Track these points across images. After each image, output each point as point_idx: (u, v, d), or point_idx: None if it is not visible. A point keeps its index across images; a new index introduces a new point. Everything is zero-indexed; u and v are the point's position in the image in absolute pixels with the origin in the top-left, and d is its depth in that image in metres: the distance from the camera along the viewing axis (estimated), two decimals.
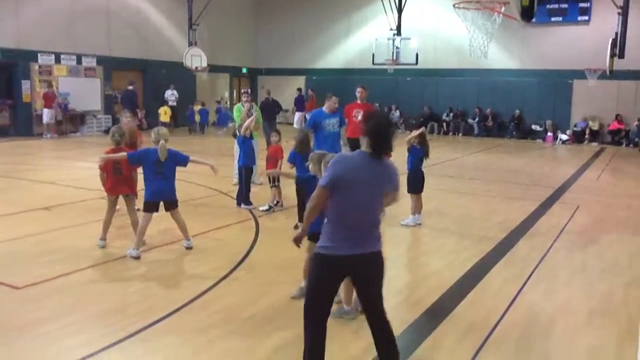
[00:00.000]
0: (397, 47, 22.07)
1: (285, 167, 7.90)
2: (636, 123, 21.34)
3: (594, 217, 9.16)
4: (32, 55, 19.64)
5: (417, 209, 8.22)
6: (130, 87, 21.42)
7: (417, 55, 21.95)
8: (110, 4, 21.86)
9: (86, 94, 21.31)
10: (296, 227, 7.70)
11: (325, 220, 3.61)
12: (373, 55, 22.56)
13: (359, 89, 9.91)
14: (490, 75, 23.73)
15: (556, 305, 5.32)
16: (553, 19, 22.65)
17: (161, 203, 6.54)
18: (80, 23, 20.83)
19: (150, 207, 6.44)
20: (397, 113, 25.33)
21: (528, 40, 23.16)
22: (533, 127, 23.32)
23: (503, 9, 16.85)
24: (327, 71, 27.38)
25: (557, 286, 5.89)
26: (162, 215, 6.71)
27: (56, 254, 6.43)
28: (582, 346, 4.49)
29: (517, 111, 23.37)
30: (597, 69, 20.36)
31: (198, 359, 4.12)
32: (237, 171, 10.02)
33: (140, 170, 6.68)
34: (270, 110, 17.39)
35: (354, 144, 8.85)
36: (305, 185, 5.39)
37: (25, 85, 19.64)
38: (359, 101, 9.87)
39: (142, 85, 23.46)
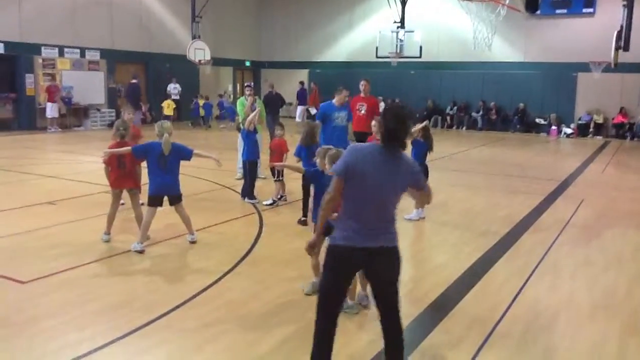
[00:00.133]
0: (400, 40, 22.00)
1: (291, 160, 7.90)
2: None
3: (598, 211, 9.14)
4: (35, 49, 19.65)
5: (420, 203, 8.17)
6: (134, 81, 21.44)
7: (420, 48, 21.90)
8: None
9: (90, 87, 21.32)
10: (299, 221, 7.71)
11: (340, 211, 3.56)
12: (376, 48, 22.50)
13: (362, 82, 9.90)
14: (494, 68, 23.65)
15: (560, 300, 5.32)
16: (557, 11, 22.53)
17: (165, 197, 6.55)
18: (84, 16, 20.83)
19: (155, 201, 6.44)
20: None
21: (532, 32, 23.06)
22: (537, 120, 23.25)
23: (507, 0, 16.77)
24: (331, 64, 27.32)
25: (561, 280, 5.89)
26: (166, 209, 6.72)
27: (60, 248, 6.45)
28: (585, 340, 4.49)
29: (521, 104, 23.29)
30: (602, 61, 20.26)
31: (202, 353, 4.13)
32: (240, 165, 10.03)
33: (144, 164, 6.68)
34: (274, 104, 17.36)
35: (359, 138, 8.84)
36: (311, 179, 5.37)
37: (29, 78, 19.66)
38: (362, 94, 9.86)
39: (145, 79, 23.46)
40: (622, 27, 17.24)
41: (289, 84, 24.82)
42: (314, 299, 5.05)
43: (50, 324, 4.52)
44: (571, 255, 6.75)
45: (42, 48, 19.88)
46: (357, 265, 3.54)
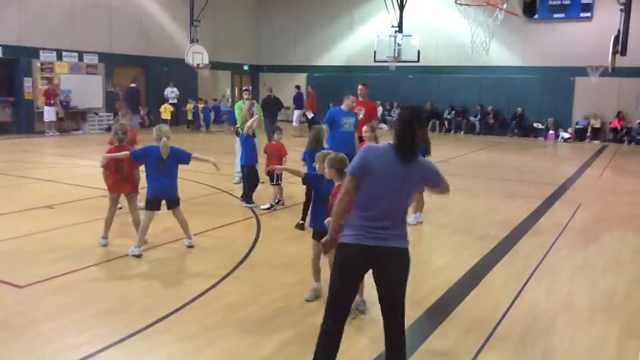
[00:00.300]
0: (398, 44, 22.02)
1: (290, 164, 7.89)
2: (638, 121, 21.31)
3: (596, 214, 9.15)
4: (33, 52, 19.64)
5: (419, 207, 8.21)
6: (134, 85, 21.45)
7: (418, 52, 21.90)
8: (112, 1, 21.83)
9: (88, 91, 21.29)
10: (297, 225, 7.71)
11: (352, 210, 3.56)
12: (374, 52, 22.50)
13: (360, 87, 9.91)
14: (492, 73, 23.70)
15: (559, 303, 5.33)
16: (555, 15, 22.59)
17: (163, 201, 6.54)
18: (82, 20, 20.82)
19: (153, 205, 6.44)
20: (399, 110, 25.30)
21: (530, 37, 23.12)
22: (535, 124, 23.29)
23: (505, 5, 16.82)
24: (329, 68, 27.36)
25: (560, 283, 5.89)
26: (163, 213, 6.72)
27: (58, 252, 6.44)
28: (584, 343, 4.49)
29: (519, 109, 23.33)
30: (599, 66, 20.30)
31: (200, 357, 4.13)
32: (238, 169, 10.03)
33: (142, 168, 6.67)
34: (272, 108, 17.37)
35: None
36: (310, 183, 5.35)
37: (27, 82, 19.64)
38: (360, 98, 9.86)
39: (143, 82, 23.46)
40: (619, 31, 17.28)
41: (288, 88, 24.82)
42: (312, 304, 5.08)
43: (49, 327, 4.51)
44: (569, 259, 6.76)
45: (41, 52, 19.87)
46: (367, 264, 3.51)
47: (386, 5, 22.26)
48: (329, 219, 4.24)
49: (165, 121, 20.01)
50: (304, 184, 5.39)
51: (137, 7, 22.91)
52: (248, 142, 9.00)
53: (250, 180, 8.98)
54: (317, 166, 5.17)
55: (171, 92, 23.31)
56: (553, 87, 22.88)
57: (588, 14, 22.07)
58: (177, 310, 4.88)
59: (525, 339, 4.51)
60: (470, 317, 4.91)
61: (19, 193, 9.98)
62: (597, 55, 19.87)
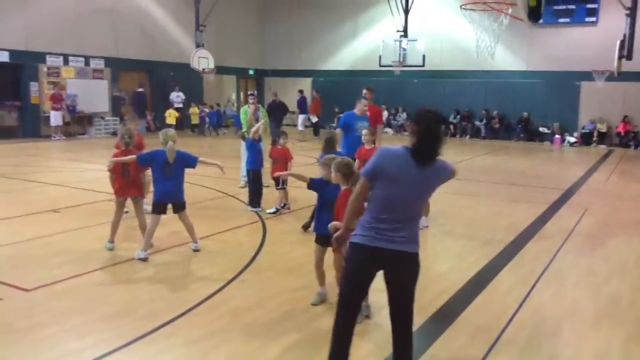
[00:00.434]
0: (403, 49, 22.07)
1: (296, 168, 7.89)
2: None
3: (602, 219, 9.12)
4: (40, 57, 19.76)
5: (425, 211, 8.19)
6: (140, 89, 21.55)
7: (423, 57, 21.95)
8: (117, 5, 21.96)
9: (94, 95, 21.42)
10: (304, 227, 7.72)
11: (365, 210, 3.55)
12: (380, 57, 22.55)
13: (364, 91, 9.89)
14: (497, 77, 23.69)
15: (564, 308, 5.31)
16: (560, 20, 22.57)
17: (169, 205, 6.56)
18: (88, 24, 20.94)
19: (159, 208, 6.46)
20: (404, 115, 25.34)
21: (535, 41, 23.10)
22: (540, 129, 23.25)
23: (510, 10, 16.83)
24: (334, 72, 27.40)
25: (565, 289, 5.87)
26: (169, 217, 6.74)
27: (64, 256, 6.46)
28: (589, 349, 4.47)
29: (525, 113, 23.28)
30: (605, 70, 20.27)
31: None
32: (244, 173, 10.05)
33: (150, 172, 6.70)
34: (278, 112, 17.42)
35: None
36: (316, 189, 5.32)
37: (34, 87, 19.78)
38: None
39: (149, 87, 23.55)
40: (625, 36, 17.27)
41: (293, 92, 24.85)
42: (317, 308, 5.08)
43: (54, 331, 4.53)
44: (575, 264, 6.73)
45: (47, 56, 20.00)
46: (377, 265, 3.50)
47: (391, 9, 22.32)
48: (333, 223, 4.24)
49: (169, 126, 20.09)
50: (309, 189, 5.37)
51: (143, 12, 23.03)
52: (254, 147, 9.02)
53: (255, 184, 9.00)
54: (323, 172, 5.14)
55: (177, 96, 23.40)
56: (559, 91, 22.84)
57: (593, 19, 22.03)
58: (183, 314, 4.89)
59: (531, 344, 4.50)
60: (476, 322, 4.89)
61: (25, 197, 10.02)
62: (603, 59, 19.83)
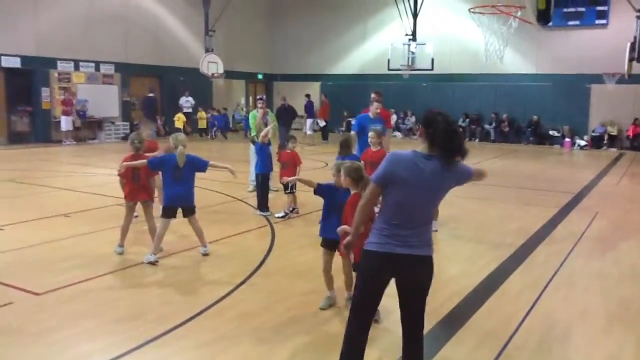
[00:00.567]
0: (412, 53, 22.04)
1: (304, 172, 7.88)
2: None
3: (612, 223, 9.06)
4: (51, 63, 19.92)
5: (434, 215, 8.14)
6: (151, 94, 21.69)
7: (432, 60, 21.91)
8: (127, 11, 22.10)
9: (104, 100, 21.54)
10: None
11: (377, 216, 3.54)
12: (388, 60, 22.53)
13: (373, 95, 9.89)
14: (506, 80, 23.62)
15: (574, 312, 5.27)
16: (570, 22, 22.44)
17: (179, 210, 6.59)
18: (98, 30, 21.09)
19: (169, 212, 6.48)
20: (413, 119, 25.31)
21: (544, 44, 22.99)
22: (550, 132, 23.13)
23: (519, 13, 16.78)
24: (343, 77, 27.43)
25: (576, 293, 5.84)
26: (179, 221, 6.76)
27: (75, 260, 6.50)
28: (600, 353, 4.44)
29: (535, 117, 23.18)
30: (615, 73, 20.15)
31: None
32: (253, 178, 10.07)
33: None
34: (286, 116, 17.42)
35: None
36: (323, 195, 5.30)
37: (45, 92, 19.92)
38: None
39: (159, 92, 23.67)
40: (635, 38, 17.15)
41: (302, 97, 24.91)
42: (326, 312, 5.08)
43: (65, 334, 4.55)
44: (586, 268, 6.69)
45: (58, 62, 20.16)
46: (392, 271, 3.48)
47: (400, 13, 22.33)
48: (342, 227, 4.23)
49: (178, 130, 20.16)
50: (315, 194, 5.34)
51: (153, 18, 23.16)
52: (263, 151, 9.04)
53: (262, 188, 9.02)
54: (334, 178, 5.11)
55: (186, 101, 23.49)
56: (568, 94, 22.71)
57: (603, 21, 21.91)
58: (192, 317, 4.90)
59: (541, 349, 4.47)
60: (486, 326, 4.87)
61: (36, 201, 10.10)
62: (613, 62, 19.73)
